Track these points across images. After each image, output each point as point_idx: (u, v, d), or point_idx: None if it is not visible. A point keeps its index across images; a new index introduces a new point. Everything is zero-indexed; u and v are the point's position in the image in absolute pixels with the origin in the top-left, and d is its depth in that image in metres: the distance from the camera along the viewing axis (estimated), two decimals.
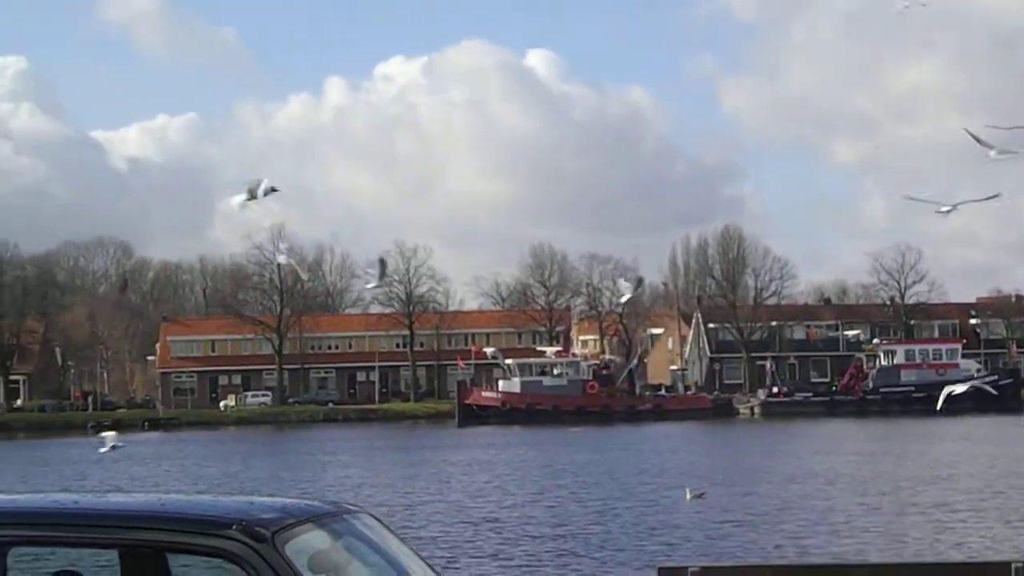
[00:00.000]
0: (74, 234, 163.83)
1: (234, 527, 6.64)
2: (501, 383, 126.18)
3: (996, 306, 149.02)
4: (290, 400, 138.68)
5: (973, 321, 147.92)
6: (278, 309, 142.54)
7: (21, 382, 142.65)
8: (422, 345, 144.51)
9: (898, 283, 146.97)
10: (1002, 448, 64.62)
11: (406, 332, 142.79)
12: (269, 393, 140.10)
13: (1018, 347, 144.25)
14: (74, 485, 51.05)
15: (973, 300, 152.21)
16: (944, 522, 34.32)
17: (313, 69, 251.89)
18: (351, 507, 7.73)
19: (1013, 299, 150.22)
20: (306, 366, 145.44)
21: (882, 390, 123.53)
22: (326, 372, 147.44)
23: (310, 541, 6.97)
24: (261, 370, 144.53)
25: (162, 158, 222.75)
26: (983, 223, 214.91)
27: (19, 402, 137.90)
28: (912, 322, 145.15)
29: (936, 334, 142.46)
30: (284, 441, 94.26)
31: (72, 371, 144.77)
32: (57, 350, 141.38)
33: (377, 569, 7.31)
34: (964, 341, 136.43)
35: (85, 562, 7.31)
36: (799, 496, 42.43)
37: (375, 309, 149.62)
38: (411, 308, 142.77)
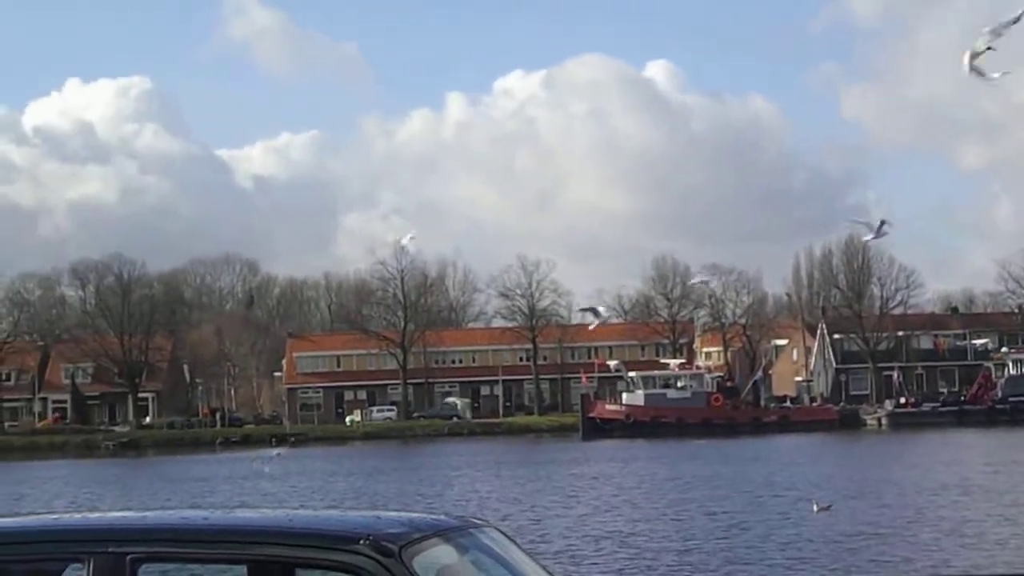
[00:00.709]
0: (200, 252, 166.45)
1: (362, 542, 6.66)
2: (625, 396, 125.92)
3: None
4: (414, 415, 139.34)
5: None
6: (402, 324, 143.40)
7: (150, 399, 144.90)
8: (545, 359, 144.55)
9: None
10: None
11: (529, 346, 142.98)
12: (394, 408, 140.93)
13: None
14: (203, 501, 51.67)
15: None
16: None
17: (433, 84, 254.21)
18: (477, 521, 7.73)
19: None
20: (430, 380, 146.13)
21: (1011, 399, 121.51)
22: (450, 386, 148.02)
23: (437, 555, 6.98)
24: (386, 385, 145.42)
25: (286, 175, 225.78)
26: None
27: (148, 419, 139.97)
28: None
29: None
30: (409, 456, 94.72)
31: (200, 388, 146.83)
32: (185, 367, 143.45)
33: None
34: None
35: None
36: (930, 508, 41.86)
37: (498, 323, 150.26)
38: (534, 321, 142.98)
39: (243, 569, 6.97)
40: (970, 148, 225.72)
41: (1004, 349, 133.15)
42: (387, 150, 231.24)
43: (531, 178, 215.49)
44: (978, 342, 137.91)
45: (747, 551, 31.94)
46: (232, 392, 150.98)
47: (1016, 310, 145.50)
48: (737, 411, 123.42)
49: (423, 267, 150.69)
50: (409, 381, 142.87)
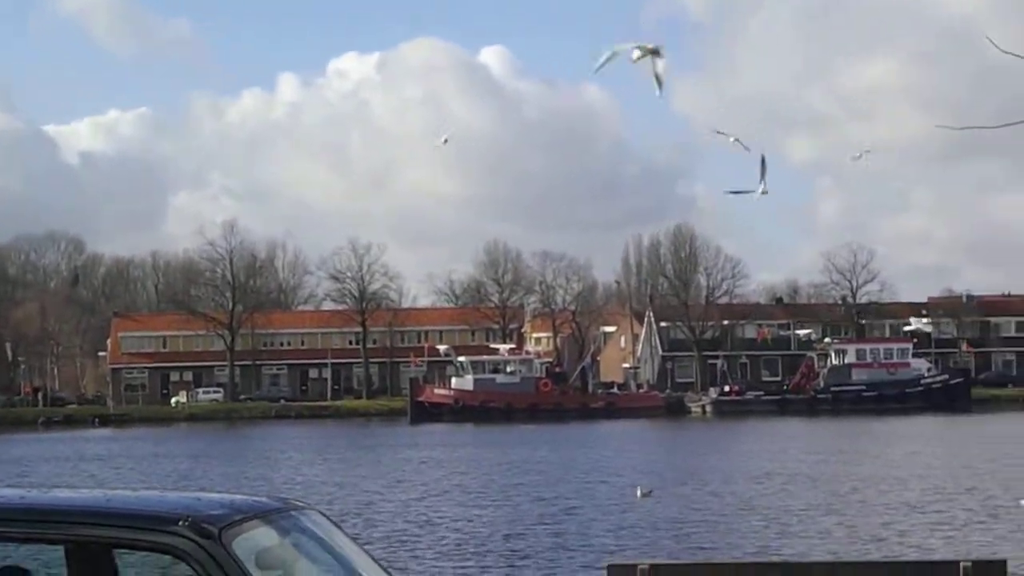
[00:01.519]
0: (25, 229, 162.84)
1: (181, 523, 6.58)
2: (454, 381, 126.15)
3: (947, 306, 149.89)
4: (241, 397, 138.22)
5: (924, 320, 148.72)
6: (230, 305, 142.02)
7: None
8: (375, 342, 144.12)
9: (850, 282, 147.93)
10: (953, 448, 64.97)
11: (359, 329, 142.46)
12: (221, 390, 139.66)
13: (969, 346, 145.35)
14: (22, 482, 50.70)
15: (924, 300, 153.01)
16: (897, 522, 34.45)
17: (266, 64, 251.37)
18: (300, 504, 7.67)
19: (964, 299, 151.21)
20: (258, 362, 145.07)
21: (833, 389, 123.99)
22: (278, 369, 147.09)
23: (258, 538, 6.91)
24: (213, 366, 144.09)
25: (114, 152, 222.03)
26: (936, 224, 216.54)
27: None
28: (863, 322, 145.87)
29: (887, 333, 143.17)
30: (235, 438, 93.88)
31: (22, 366, 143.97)
32: (7, 345, 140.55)
33: (325, 566, 7.24)
34: (915, 341, 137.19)
35: (32, 558, 7.24)
36: (752, 495, 42.51)
37: (328, 306, 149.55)
38: (364, 305, 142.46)
39: (60, 550, 6.85)
40: (799, 142, 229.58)
41: (827, 340, 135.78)
42: (218, 129, 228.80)
43: (364, 161, 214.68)
44: (801, 332, 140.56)
45: (573, 536, 32.15)
46: (55, 371, 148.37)
47: (840, 302, 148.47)
48: (565, 397, 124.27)
49: (252, 248, 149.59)
50: (236, 363, 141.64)
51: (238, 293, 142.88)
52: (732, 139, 17.17)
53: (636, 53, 13.58)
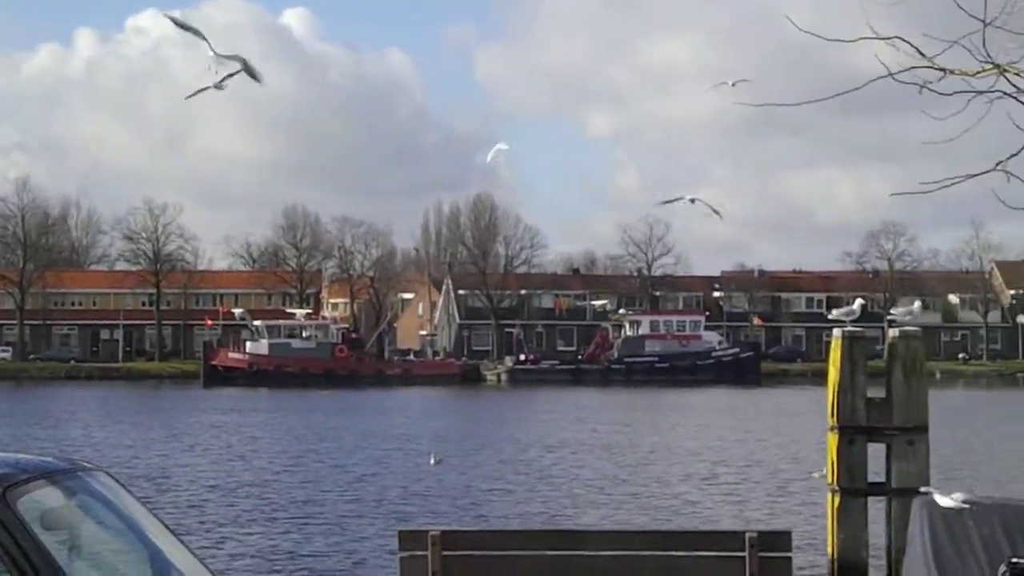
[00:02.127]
0: None
1: None
2: (249, 344, 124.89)
3: (739, 280, 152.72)
4: (31, 356, 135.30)
5: (717, 294, 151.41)
6: (21, 263, 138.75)
7: None
8: (169, 304, 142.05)
9: (646, 255, 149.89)
10: (744, 421, 66.15)
11: (152, 290, 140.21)
12: (9, 348, 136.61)
13: (760, 320, 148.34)
14: None
15: (718, 274, 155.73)
16: (687, 492, 34.95)
17: (62, 19, 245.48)
18: (87, 465, 7.46)
19: (756, 273, 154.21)
20: (48, 322, 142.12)
21: (626, 359, 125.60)
22: (69, 329, 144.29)
23: (43, 498, 6.70)
24: (1, 325, 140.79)
25: None
26: (730, 198, 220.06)
27: None
28: (658, 293, 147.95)
29: (680, 306, 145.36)
30: (23, 398, 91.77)
31: None
32: None
33: (111, 528, 7.09)
34: (707, 313, 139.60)
35: None
36: (545, 464, 42.81)
37: (121, 266, 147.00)
38: (158, 266, 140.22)
39: None
40: (599, 115, 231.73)
41: (622, 311, 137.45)
42: (11, 84, 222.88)
43: (162, 120, 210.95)
44: (597, 303, 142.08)
45: (367, 504, 32.02)
46: None
47: (635, 274, 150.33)
48: (361, 363, 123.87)
49: (45, 206, 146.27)
50: (26, 322, 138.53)
51: (29, 251, 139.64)
52: (687, 199, 16.97)
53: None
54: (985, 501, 15.30)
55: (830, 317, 22.67)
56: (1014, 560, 13.06)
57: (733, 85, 13.12)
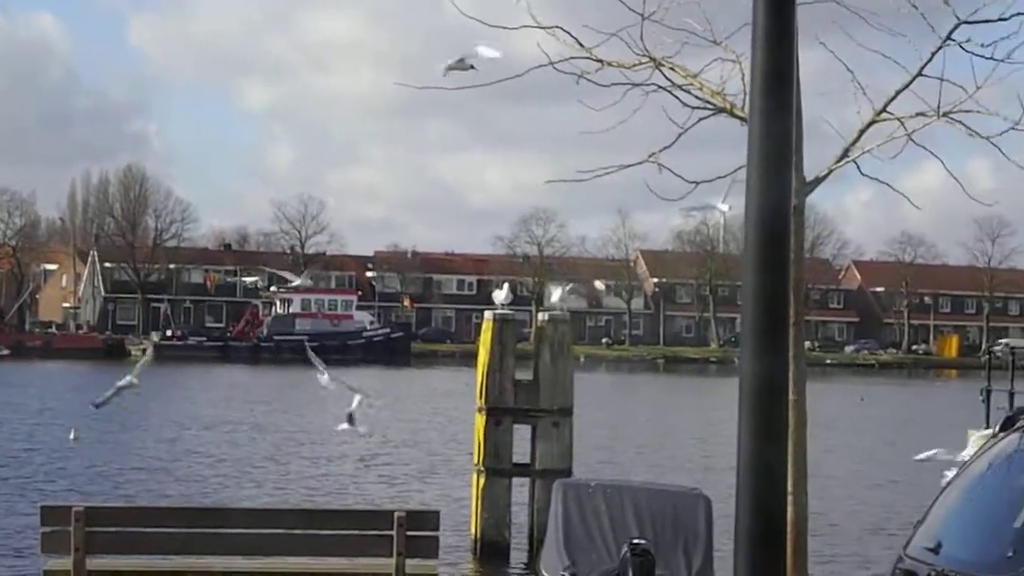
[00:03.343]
0: None
1: None
2: None
3: (392, 260, 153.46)
4: None
5: (370, 274, 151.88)
6: None
7: None
8: None
9: (299, 232, 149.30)
10: (399, 401, 66.48)
11: None
12: None
13: (412, 302, 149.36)
14: None
15: (371, 253, 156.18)
16: (342, 472, 35.02)
17: None
18: None
19: (409, 255, 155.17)
20: None
21: (276, 338, 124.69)
22: None
23: None
24: None
25: None
26: (386, 179, 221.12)
27: None
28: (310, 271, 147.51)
29: (333, 285, 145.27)
30: None
31: None
32: None
33: None
34: (360, 293, 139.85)
35: None
36: (194, 442, 42.28)
37: None
38: None
39: None
40: (253, 89, 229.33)
41: (273, 288, 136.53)
42: None
43: None
44: (248, 280, 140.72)
45: (9, 481, 31.13)
46: None
47: (288, 251, 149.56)
48: (0, 335, 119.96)
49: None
50: None
51: None
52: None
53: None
54: (618, 483, 15.80)
55: (498, 303, 23.09)
56: (635, 541, 13.53)
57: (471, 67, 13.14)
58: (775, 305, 5.12)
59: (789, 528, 9.55)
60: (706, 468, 35.62)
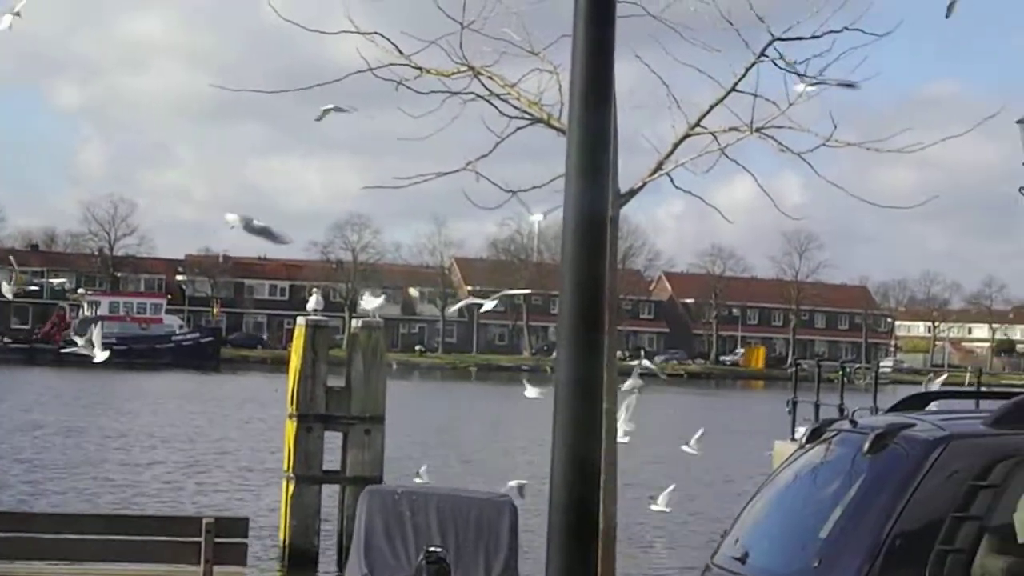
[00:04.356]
0: None
1: None
2: None
3: (203, 264, 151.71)
4: None
5: (180, 278, 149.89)
6: None
7: None
8: None
9: (108, 234, 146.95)
10: (209, 406, 65.88)
11: None
12: None
13: (222, 306, 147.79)
14: None
15: (182, 256, 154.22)
16: (154, 478, 34.56)
17: None
18: None
19: (221, 259, 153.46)
20: None
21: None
22: None
23: None
24: None
25: None
26: (198, 181, 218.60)
27: None
28: (120, 274, 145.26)
29: (142, 288, 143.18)
30: None
31: None
32: None
33: None
34: (170, 297, 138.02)
35: None
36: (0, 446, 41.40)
37: None
38: None
39: None
40: (66, 88, 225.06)
41: (81, 290, 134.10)
42: None
43: None
44: (55, 281, 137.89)
45: None
46: None
47: (97, 252, 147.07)
48: None
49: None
50: None
51: None
52: None
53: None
54: (425, 490, 15.83)
55: (310, 309, 22.95)
56: (431, 548, 13.58)
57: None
58: (592, 311, 5.17)
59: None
60: (530, 476, 35.85)
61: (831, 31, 12.35)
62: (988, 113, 13.09)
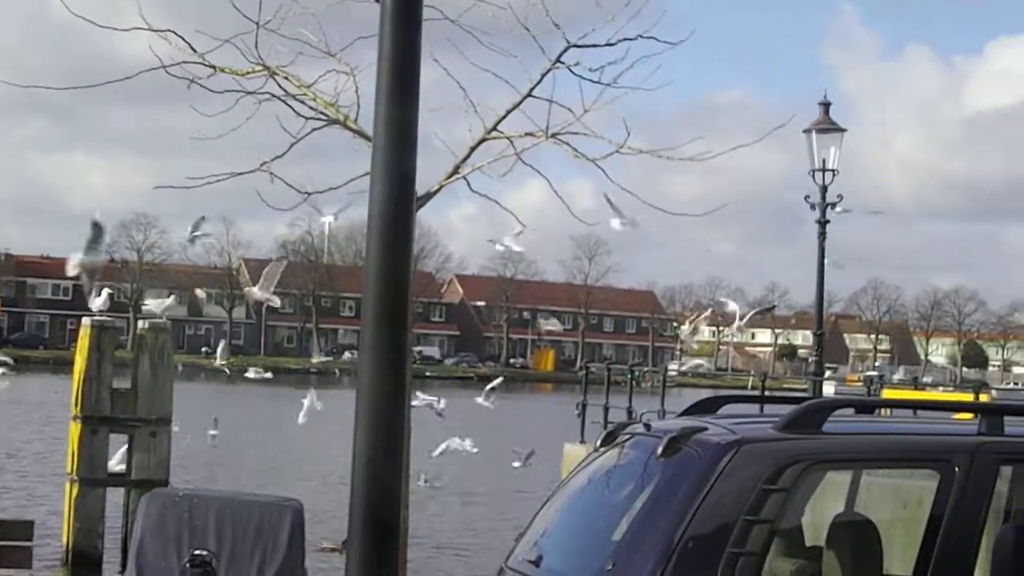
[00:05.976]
0: None
1: None
2: None
3: None
4: None
5: None
6: None
7: None
8: None
9: None
10: None
11: None
12: None
13: (3, 306, 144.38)
14: None
15: None
16: None
17: None
18: None
19: (2, 257, 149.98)
20: None
21: None
22: None
23: None
24: None
25: None
26: None
27: None
28: None
29: None
30: None
31: None
32: None
33: None
34: None
35: None
36: None
37: None
38: None
39: None
40: None
41: None
42: None
43: None
44: None
45: None
46: None
47: None
48: None
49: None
50: None
51: None
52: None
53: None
54: (208, 493, 15.70)
55: (95, 309, 22.46)
56: (195, 552, 13.47)
57: None
58: (396, 312, 5.14)
59: None
60: (323, 477, 35.84)
61: (626, 38, 12.49)
62: (773, 121, 13.47)
